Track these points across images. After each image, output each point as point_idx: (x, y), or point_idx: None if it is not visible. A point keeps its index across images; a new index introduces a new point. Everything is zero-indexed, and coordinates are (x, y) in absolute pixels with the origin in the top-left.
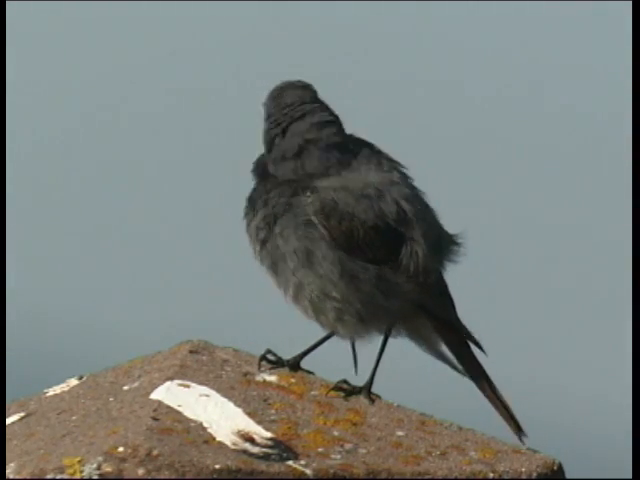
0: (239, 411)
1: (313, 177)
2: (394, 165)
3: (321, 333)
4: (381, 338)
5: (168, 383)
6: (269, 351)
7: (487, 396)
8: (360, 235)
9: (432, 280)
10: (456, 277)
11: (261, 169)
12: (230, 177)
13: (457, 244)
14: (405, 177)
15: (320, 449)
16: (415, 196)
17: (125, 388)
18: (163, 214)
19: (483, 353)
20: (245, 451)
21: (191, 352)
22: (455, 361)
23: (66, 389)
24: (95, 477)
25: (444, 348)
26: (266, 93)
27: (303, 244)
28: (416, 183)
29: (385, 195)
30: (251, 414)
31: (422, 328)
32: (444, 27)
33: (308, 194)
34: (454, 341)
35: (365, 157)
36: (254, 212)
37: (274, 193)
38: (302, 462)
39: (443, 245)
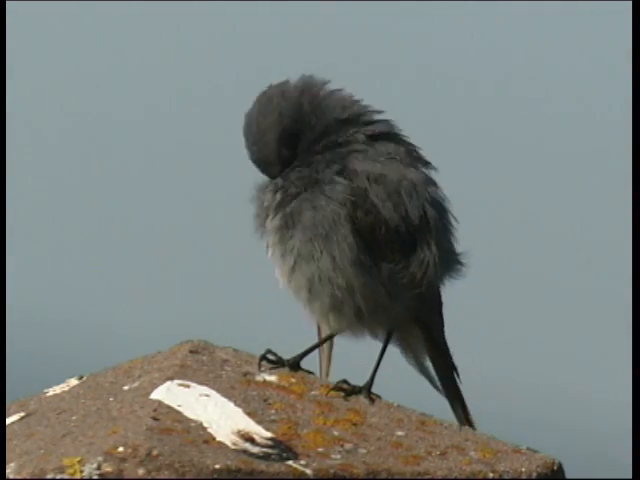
0: (239, 411)
1: (351, 152)
2: (424, 161)
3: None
4: (383, 339)
5: (168, 383)
6: (269, 351)
7: (457, 418)
8: (382, 231)
9: (433, 293)
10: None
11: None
12: (231, 177)
13: (461, 263)
14: (432, 177)
15: (320, 449)
16: (439, 202)
17: (125, 388)
18: (163, 215)
19: (458, 378)
20: (245, 451)
21: (191, 352)
22: (435, 378)
23: (66, 389)
24: (95, 477)
25: (428, 363)
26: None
27: (330, 218)
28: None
29: (415, 195)
30: (251, 414)
31: (413, 339)
32: (444, 26)
33: (344, 178)
34: (439, 361)
35: (399, 145)
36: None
37: (311, 169)
38: (302, 462)
39: (450, 261)
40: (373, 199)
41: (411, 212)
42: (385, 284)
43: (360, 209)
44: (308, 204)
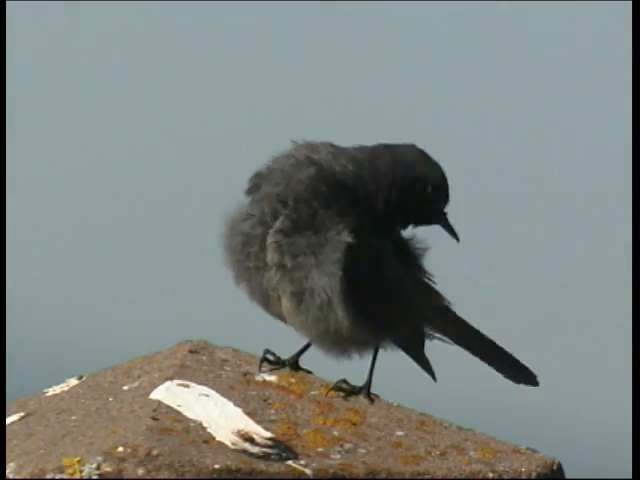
0: (239, 411)
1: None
2: None
3: None
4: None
5: (168, 383)
6: (268, 351)
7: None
8: (378, 273)
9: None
10: (455, 283)
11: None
12: (232, 177)
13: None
14: None
15: (320, 449)
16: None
17: (125, 388)
18: (162, 213)
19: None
20: (245, 451)
21: (191, 352)
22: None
23: (66, 389)
24: (95, 477)
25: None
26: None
27: (329, 281)
28: None
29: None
30: (251, 414)
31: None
32: (436, 21)
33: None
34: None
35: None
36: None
37: (335, 225)
38: (302, 462)
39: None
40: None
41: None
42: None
43: (357, 262)
44: (314, 271)
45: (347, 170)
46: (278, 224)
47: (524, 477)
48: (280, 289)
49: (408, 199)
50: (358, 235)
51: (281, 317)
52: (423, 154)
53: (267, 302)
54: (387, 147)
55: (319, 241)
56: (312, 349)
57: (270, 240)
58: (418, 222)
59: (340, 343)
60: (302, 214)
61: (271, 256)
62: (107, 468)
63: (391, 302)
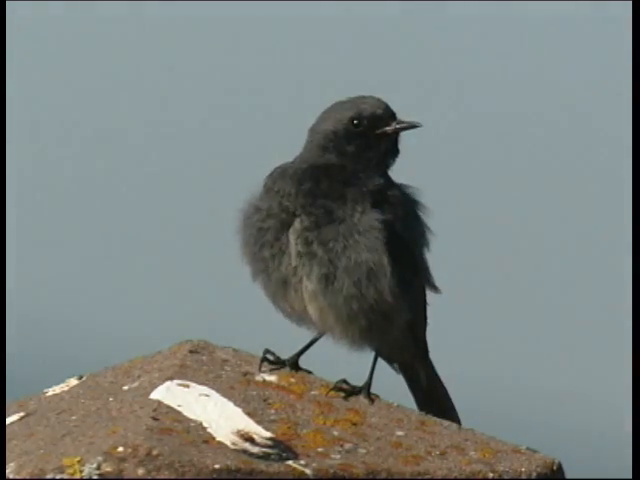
0: (239, 411)
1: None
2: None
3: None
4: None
5: (168, 383)
6: (268, 351)
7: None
8: (403, 250)
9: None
10: (458, 281)
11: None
12: (233, 177)
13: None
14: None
15: (320, 449)
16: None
17: (125, 388)
18: (162, 214)
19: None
20: (245, 451)
21: (191, 352)
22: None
23: (66, 389)
24: (95, 477)
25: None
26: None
27: (371, 256)
28: None
29: (421, 218)
30: (251, 414)
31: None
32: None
33: (377, 210)
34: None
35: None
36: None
37: (354, 207)
38: (302, 462)
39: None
40: (395, 224)
41: (417, 232)
42: (411, 296)
43: (391, 233)
44: (353, 249)
45: (321, 160)
46: (297, 225)
47: (524, 477)
48: (304, 272)
49: (363, 146)
50: (381, 207)
51: (294, 308)
52: (333, 105)
53: (283, 291)
54: (310, 130)
55: (348, 225)
56: (313, 348)
57: (294, 237)
58: (387, 152)
59: (370, 323)
60: (318, 209)
61: (295, 248)
62: (107, 468)
63: (420, 269)
